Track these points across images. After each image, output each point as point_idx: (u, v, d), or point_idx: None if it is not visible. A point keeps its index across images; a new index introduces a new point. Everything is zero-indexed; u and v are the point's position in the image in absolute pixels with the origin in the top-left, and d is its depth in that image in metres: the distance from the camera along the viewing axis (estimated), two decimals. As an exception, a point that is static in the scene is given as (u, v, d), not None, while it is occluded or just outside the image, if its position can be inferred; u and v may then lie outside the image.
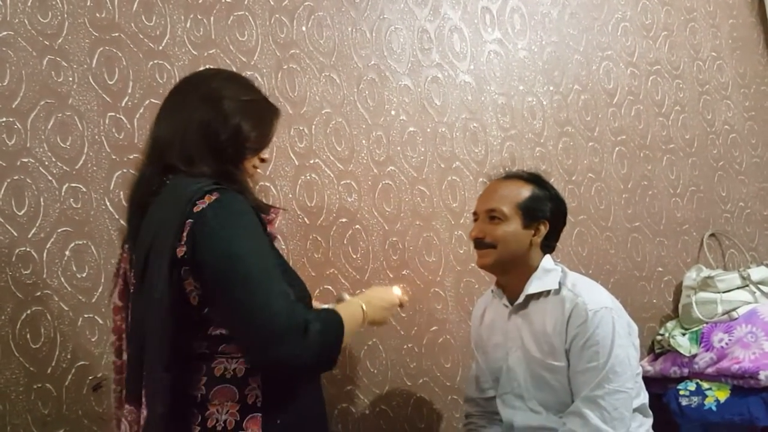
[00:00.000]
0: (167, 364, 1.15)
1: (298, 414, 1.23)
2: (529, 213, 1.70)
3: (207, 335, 1.20)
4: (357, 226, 2.07)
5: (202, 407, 1.18)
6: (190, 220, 1.15)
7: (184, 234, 1.15)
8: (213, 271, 1.14)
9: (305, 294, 1.30)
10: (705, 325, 2.49)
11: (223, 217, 1.15)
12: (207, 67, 1.84)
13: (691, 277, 2.66)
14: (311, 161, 2.01)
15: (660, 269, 2.78)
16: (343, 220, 2.04)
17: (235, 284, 1.12)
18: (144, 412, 1.15)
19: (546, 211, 1.73)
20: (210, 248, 1.14)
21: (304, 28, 2.04)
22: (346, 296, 1.46)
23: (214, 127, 1.25)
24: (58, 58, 1.66)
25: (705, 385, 2.34)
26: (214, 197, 1.17)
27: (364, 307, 1.34)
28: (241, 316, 1.13)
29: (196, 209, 1.16)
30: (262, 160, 1.36)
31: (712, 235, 2.97)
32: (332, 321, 1.21)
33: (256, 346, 1.13)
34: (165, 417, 1.14)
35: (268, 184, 1.92)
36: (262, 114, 1.34)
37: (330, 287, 1.98)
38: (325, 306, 1.37)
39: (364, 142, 2.11)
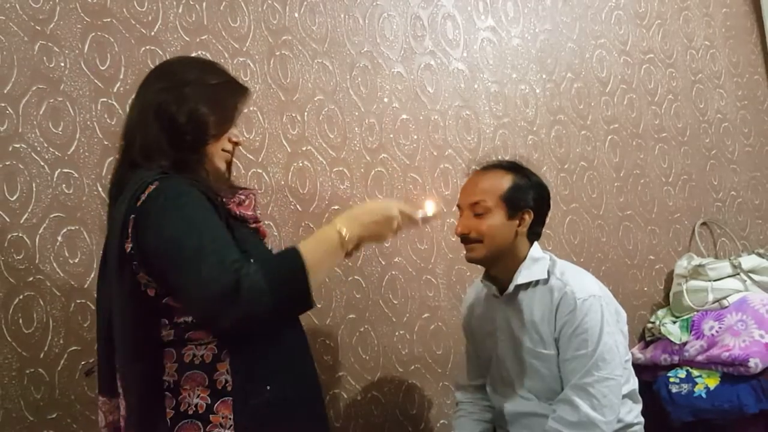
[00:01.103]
0: (135, 356, 1.18)
1: (277, 396, 1.23)
2: (513, 203, 1.69)
3: (173, 323, 1.21)
4: (349, 213, 2.07)
5: (175, 392, 1.20)
6: (132, 215, 1.17)
7: (129, 230, 1.17)
8: (155, 259, 1.15)
9: None
10: (695, 313, 2.50)
11: (159, 204, 1.16)
12: (199, 53, 1.84)
13: (683, 265, 2.68)
14: (304, 148, 2.01)
15: (651, 257, 2.79)
16: (336, 207, 2.05)
17: (171, 267, 1.13)
18: (123, 403, 1.17)
19: (529, 200, 1.71)
20: (149, 238, 1.15)
21: (296, 15, 2.03)
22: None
23: (171, 112, 1.24)
24: (49, 44, 1.65)
25: (695, 372, 2.36)
26: (153, 186, 1.18)
27: (342, 230, 1.23)
28: (183, 296, 1.14)
29: (138, 203, 1.17)
30: (235, 143, 1.35)
31: (704, 223, 2.99)
32: (284, 262, 1.17)
33: (206, 318, 1.14)
34: (140, 406, 1.17)
35: (260, 171, 1.92)
36: (223, 96, 1.31)
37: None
38: None
39: (356, 129, 2.11)
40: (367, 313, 2.07)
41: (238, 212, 1.26)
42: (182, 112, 1.25)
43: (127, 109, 1.70)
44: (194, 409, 1.19)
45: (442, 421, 2.18)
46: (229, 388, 1.20)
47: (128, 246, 1.17)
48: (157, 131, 1.24)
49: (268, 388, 1.22)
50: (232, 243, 1.16)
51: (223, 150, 1.32)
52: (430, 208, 1.42)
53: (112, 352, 1.19)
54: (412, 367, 2.15)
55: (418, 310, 2.18)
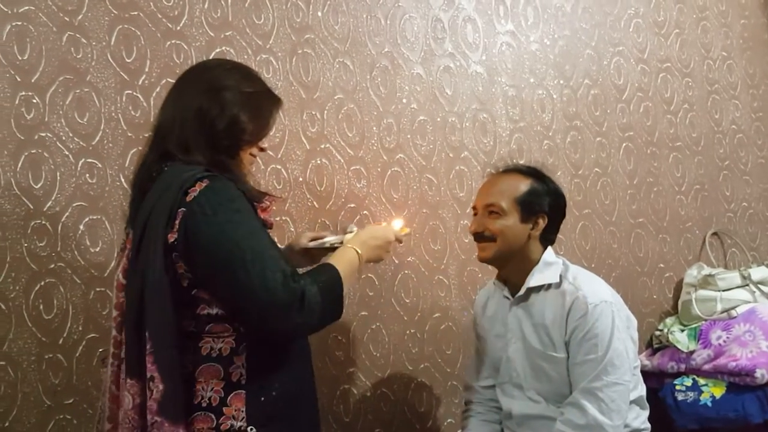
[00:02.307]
0: (170, 342, 1.20)
1: (283, 392, 1.27)
2: (528, 207, 1.72)
3: (195, 315, 1.24)
4: (365, 211, 2.09)
5: (191, 384, 1.23)
6: (182, 208, 1.20)
7: (177, 222, 1.20)
8: (209, 256, 1.19)
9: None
10: (704, 322, 2.51)
11: (215, 203, 1.20)
12: (222, 48, 1.86)
13: (692, 274, 2.68)
14: (322, 146, 2.03)
15: (661, 265, 2.80)
16: (352, 205, 2.07)
17: (233, 267, 1.17)
18: (160, 387, 1.18)
19: (544, 205, 1.74)
20: (205, 234, 1.18)
21: (319, 13, 2.06)
22: (354, 228, 1.53)
23: (211, 116, 1.28)
24: (77, 35, 1.68)
25: (701, 381, 2.37)
26: (204, 184, 1.21)
27: (358, 250, 1.39)
28: (243, 297, 1.18)
29: (188, 198, 1.20)
30: (261, 149, 1.40)
31: (715, 233, 2.99)
32: (330, 279, 1.28)
33: (261, 322, 1.19)
34: (173, 393, 1.19)
35: (279, 167, 1.94)
36: (261, 105, 1.35)
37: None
38: (331, 239, 1.53)
39: (374, 128, 2.13)
40: (379, 311, 2.09)
41: (262, 216, 1.30)
42: (222, 117, 1.28)
43: (152, 100, 1.74)
44: (207, 401, 1.22)
45: (449, 420, 2.20)
46: (243, 382, 1.23)
47: (172, 237, 1.20)
48: (195, 131, 1.28)
49: (277, 384, 1.26)
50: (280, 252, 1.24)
51: (251, 155, 1.37)
52: (398, 224, 1.60)
53: (141, 337, 1.21)
54: (422, 366, 2.17)
55: (430, 309, 2.20)
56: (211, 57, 1.84)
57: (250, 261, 1.17)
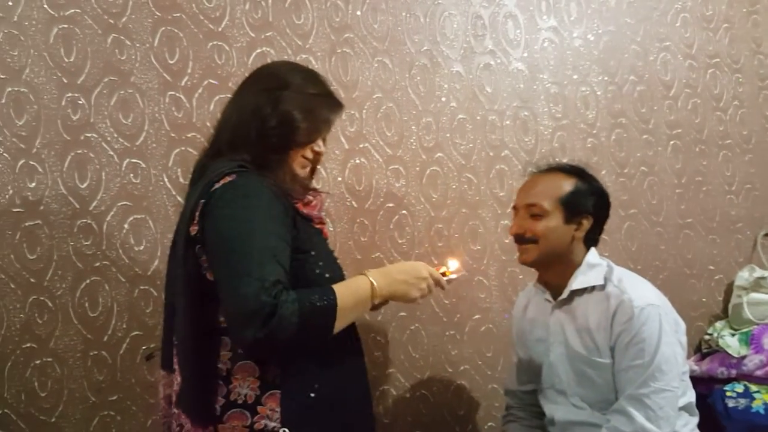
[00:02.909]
0: (190, 335, 1.22)
1: (323, 396, 1.24)
2: (571, 207, 1.66)
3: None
4: (403, 211, 2.08)
5: (227, 381, 1.23)
6: (203, 200, 1.21)
7: (197, 213, 1.21)
8: (210, 248, 1.20)
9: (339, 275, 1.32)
10: (756, 326, 2.44)
11: (228, 198, 1.19)
12: (263, 49, 1.87)
13: (744, 276, 2.61)
14: (361, 145, 2.02)
15: (711, 267, 2.72)
16: (390, 204, 2.06)
17: (220, 263, 1.17)
18: (178, 378, 1.21)
19: (589, 206, 1.69)
20: (210, 227, 1.19)
21: (359, 13, 2.05)
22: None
23: (265, 113, 1.28)
24: (121, 37, 1.71)
25: (753, 387, 2.31)
26: (229, 179, 1.21)
27: (373, 280, 1.26)
28: (223, 296, 1.17)
29: (211, 189, 1.21)
30: (316, 153, 1.37)
31: (767, 234, 2.89)
32: (322, 305, 1.18)
33: (231, 325, 1.19)
34: (192, 385, 1.21)
35: (318, 167, 1.94)
36: (318, 106, 1.34)
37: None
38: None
39: (413, 127, 2.11)
40: (417, 312, 2.08)
41: (304, 211, 1.29)
42: (275, 114, 1.28)
43: (194, 101, 1.76)
44: (243, 399, 1.21)
45: (489, 424, 2.17)
46: (278, 381, 1.22)
47: (193, 229, 1.22)
48: (247, 128, 1.28)
49: (316, 386, 1.24)
50: (281, 257, 1.18)
51: (303, 157, 1.34)
52: (453, 266, 1.46)
53: (172, 329, 1.25)
54: (462, 368, 2.15)
55: (469, 311, 2.17)
56: (251, 58, 1.85)
57: (236, 261, 1.15)
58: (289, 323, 1.12)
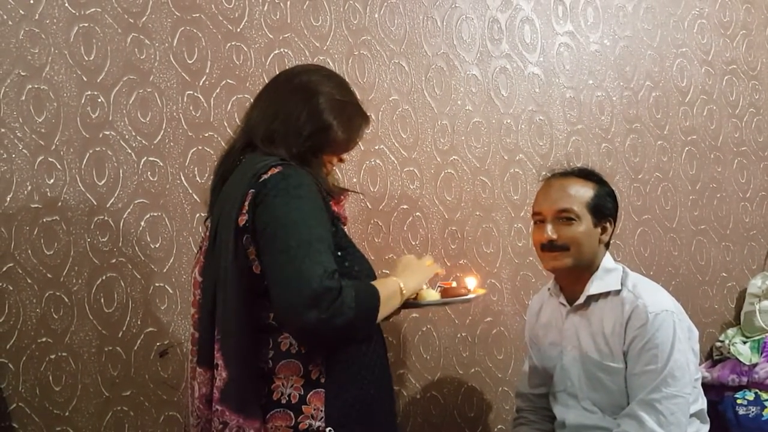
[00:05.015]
0: (235, 330, 1.20)
1: (363, 395, 1.25)
2: (598, 211, 1.66)
3: (271, 306, 1.22)
4: (417, 213, 2.09)
5: (269, 380, 1.22)
6: (252, 189, 1.21)
7: (246, 203, 1.20)
8: (262, 237, 1.19)
9: (369, 274, 1.33)
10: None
11: (280, 187, 1.19)
12: (281, 50, 1.88)
13: (756, 284, 2.60)
14: (376, 147, 2.03)
15: (724, 274, 2.71)
16: (405, 206, 2.06)
17: (276, 250, 1.16)
18: (223, 374, 1.19)
19: (611, 209, 1.70)
20: (262, 215, 1.19)
21: (376, 15, 2.05)
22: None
23: (303, 119, 1.28)
24: (141, 36, 1.72)
25: (764, 395, 2.30)
26: (278, 170, 1.22)
27: (402, 286, 1.32)
28: (278, 281, 1.16)
29: (259, 180, 1.21)
30: (341, 160, 1.39)
31: (781, 242, 2.87)
32: (368, 291, 1.23)
33: (289, 309, 1.15)
34: (239, 382, 1.19)
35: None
36: (354, 118, 1.35)
37: (388, 272, 2.00)
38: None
39: (429, 130, 2.12)
40: (429, 313, 2.08)
41: (335, 210, 1.30)
42: (313, 122, 1.29)
43: (212, 101, 1.77)
44: (287, 398, 1.20)
45: (499, 426, 2.18)
46: (323, 380, 1.21)
47: (242, 219, 1.21)
48: (283, 128, 1.29)
49: (358, 385, 1.24)
50: (331, 248, 1.20)
51: (328, 162, 1.36)
52: (471, 284, 1.53)
53: (213, 325, 1.22)
54: (472, 370, 2.15)
55: (481, 313, 2.17)
56: (269, 59, 1.86)
57: (294, 247, 1.15)
58: (348, 308, 1.15)
